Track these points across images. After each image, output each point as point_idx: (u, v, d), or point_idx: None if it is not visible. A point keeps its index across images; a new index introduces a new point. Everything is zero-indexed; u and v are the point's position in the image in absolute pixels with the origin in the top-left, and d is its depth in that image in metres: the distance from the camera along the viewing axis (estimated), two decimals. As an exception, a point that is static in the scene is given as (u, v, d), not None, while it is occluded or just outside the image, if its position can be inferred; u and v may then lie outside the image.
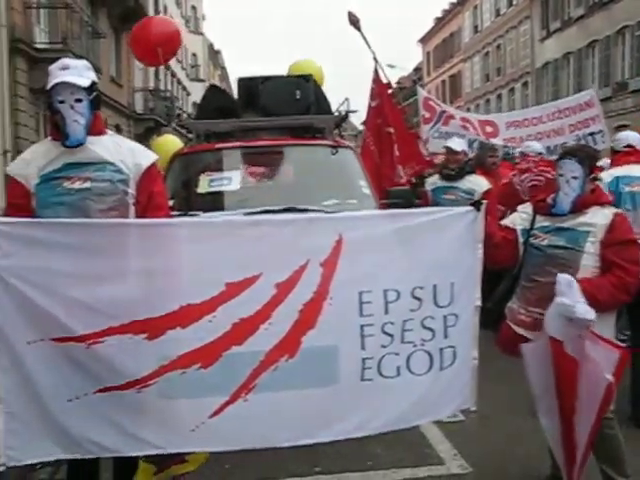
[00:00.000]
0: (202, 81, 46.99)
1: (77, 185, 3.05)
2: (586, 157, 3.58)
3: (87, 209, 3.04)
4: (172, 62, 36.98)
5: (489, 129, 9.44)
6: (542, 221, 3.64)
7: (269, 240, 3.06)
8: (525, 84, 38.49)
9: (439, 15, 54.52)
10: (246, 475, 4.10)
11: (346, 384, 3.16)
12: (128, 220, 3.08)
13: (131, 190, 3.13)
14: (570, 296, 3.14)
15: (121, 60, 25.36)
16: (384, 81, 8.04)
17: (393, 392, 3.24)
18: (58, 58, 11.83)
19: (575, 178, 3.50)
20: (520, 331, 3.67)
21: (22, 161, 3.20)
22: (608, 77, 28.65)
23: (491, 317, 3.76)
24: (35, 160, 3.13)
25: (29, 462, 3.04)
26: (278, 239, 3.08)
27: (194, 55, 46.96)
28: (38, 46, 16.43)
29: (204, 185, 5.28)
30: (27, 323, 2.83)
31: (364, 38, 7.70)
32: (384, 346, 3.18)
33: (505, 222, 3.86)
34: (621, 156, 5.24)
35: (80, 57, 15.92)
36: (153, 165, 3.23)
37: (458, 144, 6.99)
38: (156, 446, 3.03)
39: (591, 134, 9.05)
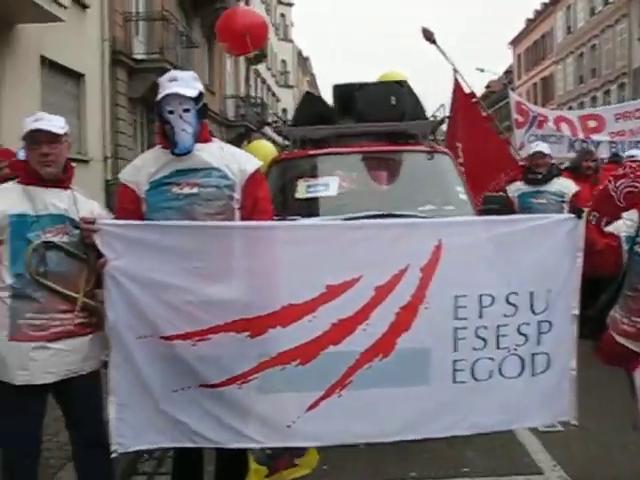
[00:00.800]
0: (291, 87, 47.68)
1: (186, 191, 3.17)
2: None
3: (195, 213, 3.16)
4: (262, 69, 37.74)
5: (592, 124, 9.11)
6: None
7: (370, 243, 3.14)
8: (622, 86, 37.15)
9: (530, 16, 53.40)
10: (342, 477, 4.16)
11: (437, 385, 3.20)
12: (232, 223, 3.20)
13: (237, 195, 3.23)
14: None
15: (214, 68, 26.05)
16: (466, 91, 7.93)
17: (484, 395, 3.26)
18: (155, 68, 12.42)
19: None
20: (622, 341, 3.57)
21: (133, 168, 3.35)
22: None
23: (592, 326, 3.67)
24: (145, 167, 3.27)
25: (137, 449, 3.22)
26: (379, 243, 3.15)
27: (283, 62, 47.68)
28: (137, 57, 17.10)
29: (302, 191, 5.39)
30: (137, 320, 3.00)
31: (441, 51, 7.67)
32: (476, 349, 3.22)
33: (609, 229, 3.78)
34: None
35: (175, 67, 16.58)
36: (257, 171, 3.33)
37: (546, 148, 6.85)
38: (255, 440, 3.14)
39: None
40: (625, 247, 3.59)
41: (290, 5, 49.71)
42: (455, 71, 7.85)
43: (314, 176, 5.55)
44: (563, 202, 6.30)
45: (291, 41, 49.68)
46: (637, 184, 5.73)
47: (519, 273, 3.24)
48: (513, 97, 9.87)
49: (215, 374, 3.06)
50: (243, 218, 3.27)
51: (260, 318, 3.03)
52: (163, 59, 16.92)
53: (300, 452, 3.38)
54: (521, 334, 3.25)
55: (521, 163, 8.58)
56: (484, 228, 3.33)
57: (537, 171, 6.60)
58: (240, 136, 27.01)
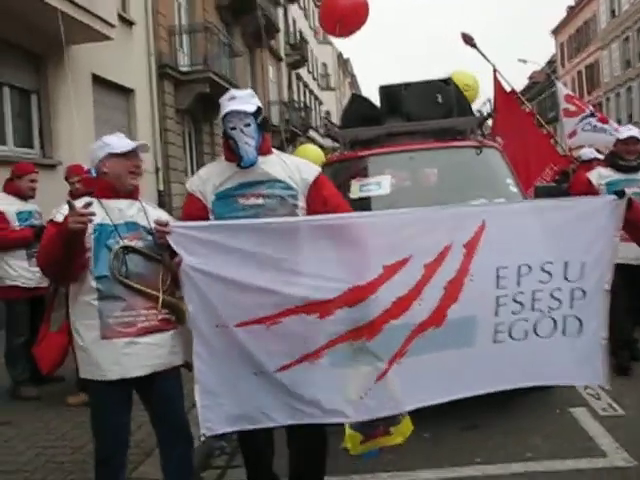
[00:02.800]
0: (333, 90, 47.86)
1: (251, 202, 3.38)
2: None
3: None
4: (303, 73, 38.01)
5: None
6: None
7: (418, 225, 3.42)
8: (670, 68, 36.33)
9: (571, 3, 52.51)
10: (407, 464, 4.29)
11: (480, 346, 3.48)
12: (294, 218, 3.38)
13: (301, 203, 3.43)
14: None
15: (256, 75, 26.39)
16: (507, 89, 7.97)
17: (521, 352, 3.53)
18: (200, 79, 12.72)
19: None
20: None
21: (199, 178, 3.57)
22: None
23: None
24: (211, 179, 3.48)
25: (222, 432, 3.42)
26: (426, 225, 3.43)
27: (324, 65, 47.89)
28: (182, 69, 17.48)
29: (355, 191, 5.55)
30: (212, 311, 3.22)
31: (481, 53, 7.75)
32: (514, 313, 3.49)
33: None
34: None
35: (220, 76, 16.87)
36: (318, 177, 3.50)
37: (638, 133, 6.17)
38: (338, 413, 3.34)
39: None
40: None
41: (328, 8, 49.84)
42: (495, 71, 7.91)
43: (366, 176, 5.70)
44: None
45: (330, 43, 49.87)
46: None
47: (556, 245, 3.48)
48: (562, 89, 9.80)
49: (288, 353, 3.27)
50: None
51: (329, 301, 3.25)
52: (207, 69, 17.26)
53: (395, 421, 3.52)
54: (555, 298, 3.52)
55: (562, 155, 8.55)
56: (527, 210, 3.60)
57: (627, 157, 6.04)
58: (285, 141, 27.27)
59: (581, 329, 3.57)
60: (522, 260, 3.44)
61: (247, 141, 3.34)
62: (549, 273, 3.48)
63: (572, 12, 52.47)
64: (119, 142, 3.32)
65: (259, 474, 3.76)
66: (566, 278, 3.50)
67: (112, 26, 11.67)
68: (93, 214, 3.02)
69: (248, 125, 3.36)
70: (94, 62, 12.48)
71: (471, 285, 3.37)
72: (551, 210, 3.54)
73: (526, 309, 3.50)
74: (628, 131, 6.28)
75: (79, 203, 3.06)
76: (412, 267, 3.31)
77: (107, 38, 11.60)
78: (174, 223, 3.26)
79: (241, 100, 3.39)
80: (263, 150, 3.45)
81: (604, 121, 9.01)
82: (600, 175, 6.08)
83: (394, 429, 3.52)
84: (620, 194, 3.45)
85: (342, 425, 3.50)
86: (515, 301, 3.47)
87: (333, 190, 3.59)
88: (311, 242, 3.25)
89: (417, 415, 3.63)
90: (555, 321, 3.55)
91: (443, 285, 3.35)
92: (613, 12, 44.37)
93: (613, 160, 6.15)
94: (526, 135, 7.77)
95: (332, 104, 46.27)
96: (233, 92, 3.49)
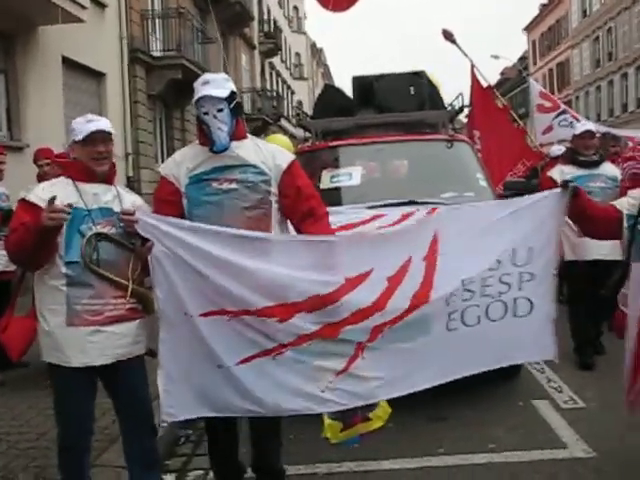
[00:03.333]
0: (306, 79, 47.72)
1: (224, 186, 3.37)
2: None
3: (234, 207, 3.36)
4: (276, 62, 37.83)
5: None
6: None
7: (378, 241, 3.58)
8: (639, 68, 36.83)
9: (544, 1, 52.98)
10: (372, 454, 4.31)
11: (435, 335, 3.61)
12: (267, 235, 3.39)
13: (273, 189, 3.42)
14: None
15: (229, 63, 26.20)
16: (484, 85, 8.04)
17: (475, 337, 3.67)
18: (172, 65, 12.60)
19: None
20: None
21: (173, 162, 3.55)
22: None
23: (606, 306, 3.83)
24: (184, 162, 3.47)
25: (182, 418, 3.47)
26: (385, 240, 3.59)
27: (297, 54, 47.73)
28: (154, 54, 17.30)
29: (326, 181, 5.55)
30: (179, 299, 3.24)
31: (460, 49, 7.82)
32: (465, 300, 3.62)
33: (613, 202, 3.94)
34: None
35: (192, 63, 16.71)
36: (292, 164, 3.51)
37: (595, 127, 6.35)
38: (298, 406, 3.39)
39: None
40: (626, 224, 3.74)
41: (303, -3, 49.74)
42: (473, 66, 7.97)
43: (337, 166, 5.71)
44: (617, 187, 5.79)
45: (304, 33, 49.71)
46: None
47: (505, 236, 3.67)
48: (535, 85, 9.88)
49: (249, 348, 3.30)
50: (287, 207, 3.48)
51: (288, 306, 3.28)
52: (180, 55, 17.12)
53: (372, 406, 3.56)
54: (504, 283, 3.69)
55: (535, 150, 8.62)
56: (479, 213, 3.80)
57: (585, 152, 6.00)
58: (257, 129, 27.20)
59: (532, 309, 3.75)
60: (474, 257, 3.59)
61: (220, 126, 3.33)
62: (497, 261, 3.64)
63: (545, 10, 52.97)
64: (81, 127, 3.22)
65: (224, 463, 3.76)
66: (514, 263, 3.67)
67: (84, 8, 11.51)
68: (68, 213, 2.98)
69: (221, 110, 3.34)
70: (65, 44, 12.30)
71: (436, 296, 3.51)
72: (498, 210, 3.76)
73: (476, 296, 3.64)
74: (582, 126, 6.27)
75: (45, 193, 3.05)
76: (375, 279, 3.40)
77: (78, 20, 11.44)
78: (140, 212, 3.24)
79: (214, 84, 3.37)
80: (237, 135, 3.44)
81: (575, 118, 9.11)
82: (562, 172, 5.95)
83: (372, 414, 3.56)
84: (565, 184, 3.65)
85: (319, 415, 3.54)
86: (465, 289, 3.60)
87: (306, 180, 3.59)
88: (276, 251, 3.30)
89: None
90: (505, 304, 3.70)
91: (409, 296, 3.45)
92: (584, 12, 44.89)
93: (573, 156, 6.12)
94: (500, 130, 7.84)
95: (305, 94, 46.17)
96: (207, 76, 3.47)
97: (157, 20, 17.96)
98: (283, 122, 34.99)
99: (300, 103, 40.99)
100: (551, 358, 3.93)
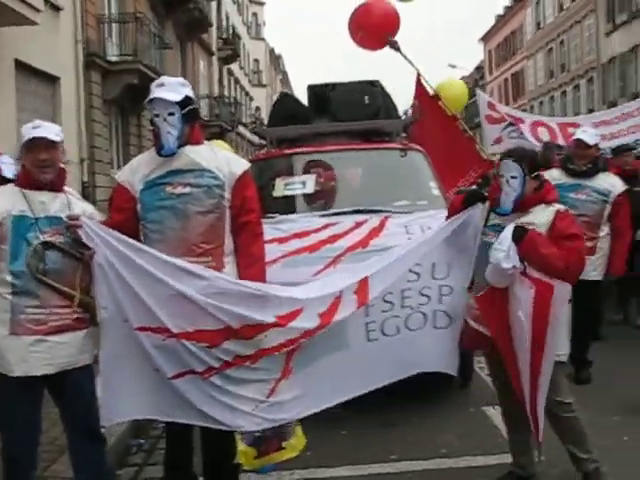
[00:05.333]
0: (264, 86, 47.73)
1: (178, 190, 3.36)
2: (523, 157, 3.66)
3: (188, 212, 3.35)
4: (235, 68, 37.76)
5: (572, 130, 9.11)
6: (494, 219, 3.74)
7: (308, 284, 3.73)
8: (590, 80, 37.73)
9: (500, 13, 53.93)
10: (324, 461, 4.34)
11: (356, 346, 3.69)
12: (202, 273, 3.32)
13: (227, 195, 3.43)
14: (500, 245, 3.42)
15: (187, 69, 26.05)
16: (430, 93, 8.06)
17: (395, 346, 3.78)
18: (129, 70, 12.45)
19: (514, 178, 3.61)
20: (475, 326, 3.81)
21: (129, 168, 3.55)
22: (678, 70, 27.97)
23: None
24: (140, 168, 3.46)
25: (119, 421, 3.55)
26: (316, 282, 3.79)
27: (256, 61, 47.71)
28: (110, 59, 17.10)
29: (280, 188, 5.56)
30: (118, 307, 3.23)
31: (405, 58, 7.83)
32: (385, 311, 3.73)
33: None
34: None
35: (149, 68, 16.54)
36: (246, 172, 3.52)
37: (590, 137, 5.75)
38: (224, 424, 3.38)
39: None
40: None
41: (262, 4, 49.76)
42: (418, 74, 7.98)
43: (291, 174, 5.73)
44: (606, 202, 5.61)
45: (263, 40, 49.73)
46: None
47: (426, 251, 3.83)
48: (483, 96, 9.94)
49: (182, 365, 3.30)
50: (233, 216, 3.47)
51: (218, 332, 3.27)
52: (137, 61, 16.95)
53: (287, 436, 3.57)
54: (423, 295, 3.83)
55: (492, 158, 8.71)
56: (405, 259, 3.82)
57: (577, 162, 5.71)
58: (214, 135, 27.07)
59: (450, 323, 3.89)
60: (402, 278, 3.74)
61: (169, 130, 3.32)
62: (417, 274, 3.78)
63: (500, 21, 53.88)
64: (26, 133, 3.18)
65: (178, 472, 3.74)
66: (434, 277, 3.82)
67: (38, 10, 11.31)
68: None
69: (172, 114, 3.33)
70: (18, 47, 12.08)
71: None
72: (426, 246, 3.87)
73: (396, 307, 3.76)
74: (579, 134, 5.88)
75: None
76: (306, 317, 3.42)
77: (32, 23, 11.25)
78: (84, 219, 3.20)
79: (169, 87, 3.36)
80: (193, 140, 3.45)
81: (519, 123, 9.18)
82: (551, 177, 5.28)
83: (287, 444, 3.60)
84: (483, 200, 3.75)
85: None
86: (384, 301, 3.70)
87: (254, 192, 3.59)
88: (213, 285, 3.26)
89: (336, 413, 3.75)
90: (425, 315, 3.84)
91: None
92: (538, 24, 45.79)
93: (565, 163, 5.84)
94: (449, 138, 7.86)
95: (263, 100, 46.17)
96: (163, 79, 3.47)
97: (114, 24, 17.77)
98: (241, 129, 34.91)
99: (258, 110, 41.00)
100: (453, 373, 4.12)
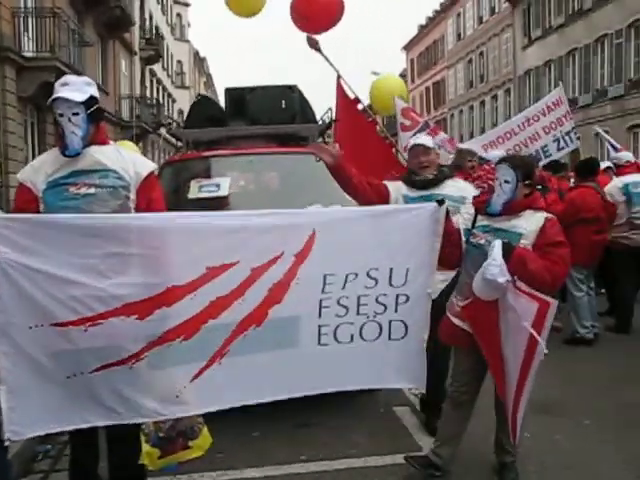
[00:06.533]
0: (187, 88, 47.21)
1: (83, 191, 3.31)
2: (520, 164, 3.89)
3: (92, 212, 3.29)
4: (157, 69, 37.22)
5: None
6: (482, 220, 3.94)
7: (251, 231, 3.37)
8: (507, 91, 39.02)
9: (423, 23, 55.05)
10: (235, 463, 4.36)
11: (304, 347, 3.58)
12: (120, 215, 3.29)
13: (132, 196, 3.40)
14: (494, 260, 3.53)
15: (107, 68, 25.54)
16: (351, 97, 8.14)
17: (346, 355, 3.67)
18: (46, 67, 12.14)
19: (507, 182, 3.81)
20: (456, 322, 4.01)
21: (31, 168, 3.46)
22: (588, 84, 29.23)
23: (436, 311, 4.00)
24: (43, 167, 3.38)
25: (31, 436, 3.29)
26: (258, 230, 3.38)
27: (179, 62, 47.16)
28: (26, 55, 16.61)
29: (194, 191, 5.54)
30: (28, 310, 3.05)
31: (326, 58, 7.87)
32: (339, 316, 3.62)
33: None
34: (624, 169, 8.26)
35: (67, 65, 16.12)
36: (151, 173, 3.51)
37: (428, 140, 4.87)
38: (153, 411, 3.31)
39: (567, 133, 9.12)
40: (464, 238, 3.97)
41: (186, 5, 49.25)
42: (339, 77, 8.06)
43: (206, 177, 5.71)
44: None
45: (187, 41, 49.21)
46: (485, 184, 6.30)
47: (383, 252, 3.64)
48: (400, 104, 10.09)
49: (107, 356, 3.18)
50: None
51: (147, 300, 3.18)
52: (54, 57, 16.55)
53: (193, 435, 3.54)
54: (380, 303, 3.69)
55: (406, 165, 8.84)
56: (357, 216, 3.73)
57: (419, 172, 4.67)
58: (135, 137, 26.63)
59: (406, 333, 3.77)
60: (349, 268, 3.57)
61: (74, 130, 3.29)
62: (375, 279, 3.63)
63: (422, 31, 54.99)
64: None
65: (85, 478, 3.68)
66: (391, 284, 3.66)
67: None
68: None
69: (76, 114, 3.29)
70: None
71: (296, 288, 3.45)
72: (380, 216, 3.69)
73: (351, 313, 3.64)
74: (415, 139, 4.98)
75: None
76: (238, 269, 3.32)
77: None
78: None
79: (73, 87, 3.32)
80: (98, 140, 3.41)
81: (435, 132, 9.37)
82: (398, 188, 4.75)
83: (193, 443, 3.55)
84: (441, 202, 3.67)
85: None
86: (339, 304, 3.59)
87: (160, 194, 3.58)
88: (134, 242, 3.15)
89: (247, 414, 3.73)
90: (380, 325, 3.72)
91: (268, 287, 3.39)
92: (459, 35, 46.96)
93: (409, 176, 4.77)
94: (368, 143, 7.93)
95: (186, 102, 45.54)
96: (67, 78, 3.42)
97: (30, 19, 17.27)
98: (162, 130, 34.42)
99: (181, 112, 40.49)
100: (421, 388, 4.05)
